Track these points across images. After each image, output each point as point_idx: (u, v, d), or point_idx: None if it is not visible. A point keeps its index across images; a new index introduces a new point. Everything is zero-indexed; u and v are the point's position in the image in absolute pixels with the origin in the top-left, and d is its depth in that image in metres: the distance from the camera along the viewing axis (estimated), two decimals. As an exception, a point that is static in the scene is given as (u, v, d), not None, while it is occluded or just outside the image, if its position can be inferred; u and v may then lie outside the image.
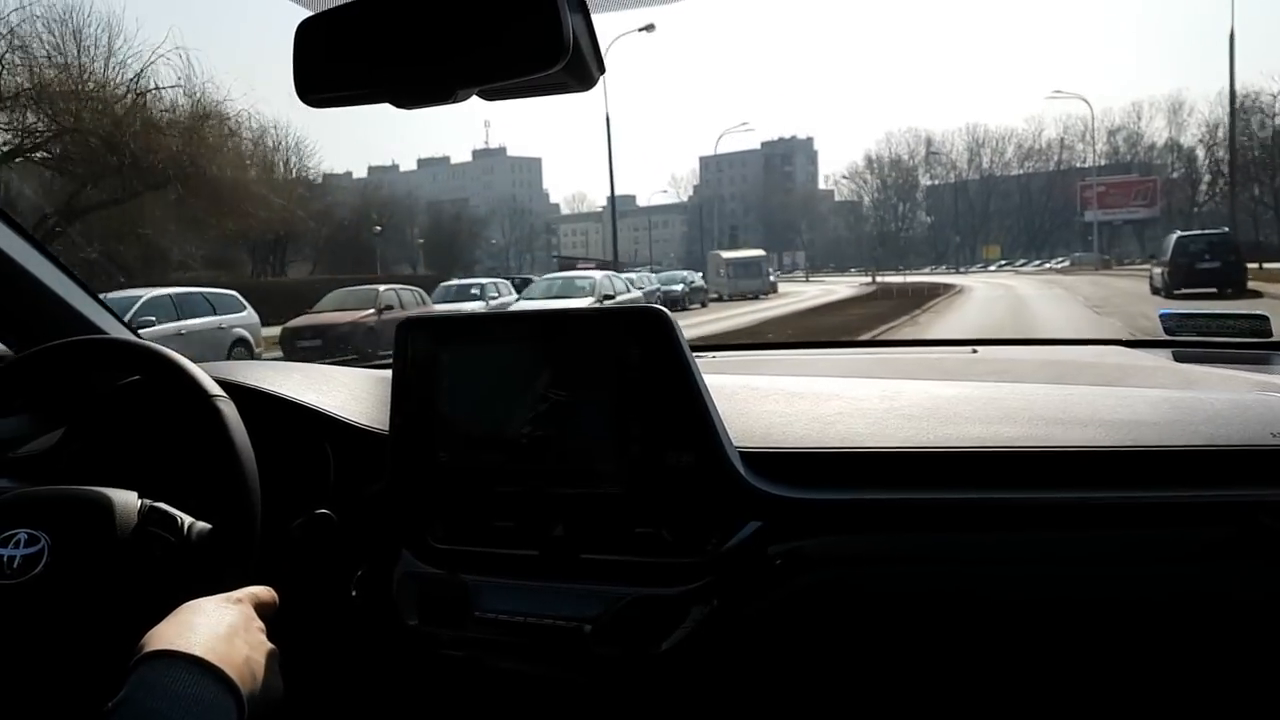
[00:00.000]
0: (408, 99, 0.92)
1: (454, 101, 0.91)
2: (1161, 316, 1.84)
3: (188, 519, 1.09)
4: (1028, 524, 1.17)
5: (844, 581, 1.21)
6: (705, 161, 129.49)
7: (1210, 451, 1.16)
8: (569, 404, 1.25)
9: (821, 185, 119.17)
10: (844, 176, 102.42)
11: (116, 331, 1.66)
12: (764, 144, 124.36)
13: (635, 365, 1.21)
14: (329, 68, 0.93)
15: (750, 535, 1.20)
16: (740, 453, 1.22)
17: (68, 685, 0.96)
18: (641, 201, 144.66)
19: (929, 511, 1.19)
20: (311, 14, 0.92)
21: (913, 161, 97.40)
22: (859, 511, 1.20)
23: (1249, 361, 1.61)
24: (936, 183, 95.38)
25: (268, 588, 0.98)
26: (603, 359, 1.24)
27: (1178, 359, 1.72)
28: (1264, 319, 1.71)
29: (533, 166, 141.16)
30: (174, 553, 1.06)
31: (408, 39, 0.88)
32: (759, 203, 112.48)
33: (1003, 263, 78.33)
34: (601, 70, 0.89)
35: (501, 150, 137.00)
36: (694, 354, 1.22)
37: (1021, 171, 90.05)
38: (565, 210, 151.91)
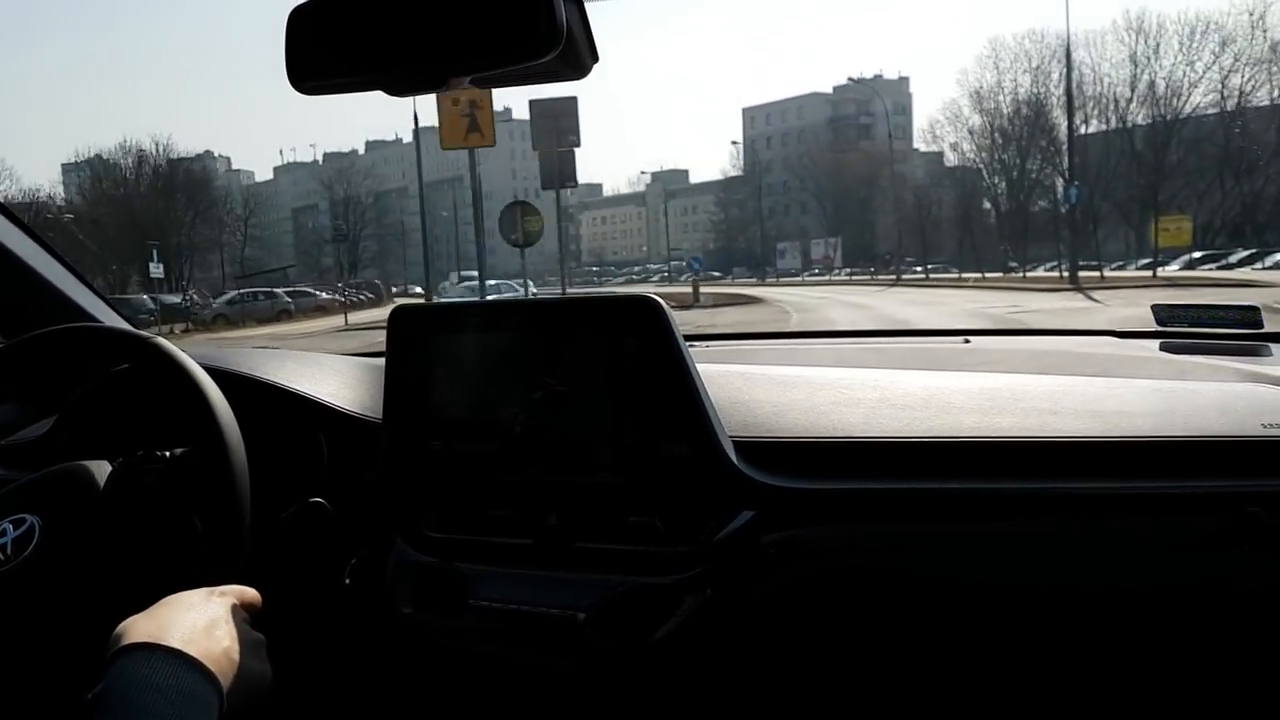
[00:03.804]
0: (401, 87, 0.92)
1: (447, 90, 0.92)
2: (1153, 308, 1.83)
3: (168, 452, 1.12)
4: (1020, 514, 1.18)
5: (837, 571, 1.21)
6: (751, 114, 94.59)
7: (1201, 442, 1.17)
8: (563, 393, 1.25)
9: (919, 145, 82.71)
10: (936, 129, 67.54)
11: (109, 319, 1.68)
12: (836, 89, 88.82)
13: (629, 354, 1.21)
14: (321, 55, 0.92)
15: (744, 524, 1.20)
16: (734, 442, 1.22)
17: (74, 658, 0.95)
18: (696, 177, 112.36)
19: (922, 501, 1.19)
20: (303, 1, 0.92)
21: (1038, 92, 59.99)
22: (852, 501, 1.21)
23: (1240, 353, 1.60)
24: (1086, 130, 56.79)
25: (251, 589, 0.97)
26: (596, 348, 1.24)
27: (1169, 350, 1.70)
28: (1255, 309, 1.71)
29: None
30: (166, 478, 1.09)
31: (400, 26, 0.88)
32: (821, 170, 77.61)
33: (1195, 256, 40.88)
34: (595, 58, 0.89)
35: (507, 112, 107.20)
36: (688, 343, 1.22)
37: (1217, 109, 50.79)
38: (608, 192, 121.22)
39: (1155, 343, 1.77)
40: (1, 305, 1.55)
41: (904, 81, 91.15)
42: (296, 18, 0.90)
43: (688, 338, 1.24)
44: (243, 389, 1.29)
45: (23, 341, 1.23)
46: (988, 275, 43.44)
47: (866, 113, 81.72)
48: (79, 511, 1.05)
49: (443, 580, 1.29)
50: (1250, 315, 1.70)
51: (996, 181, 59.06)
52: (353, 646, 1.38)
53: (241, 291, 33.04)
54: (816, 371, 1.45)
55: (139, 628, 0.81)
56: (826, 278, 58.80)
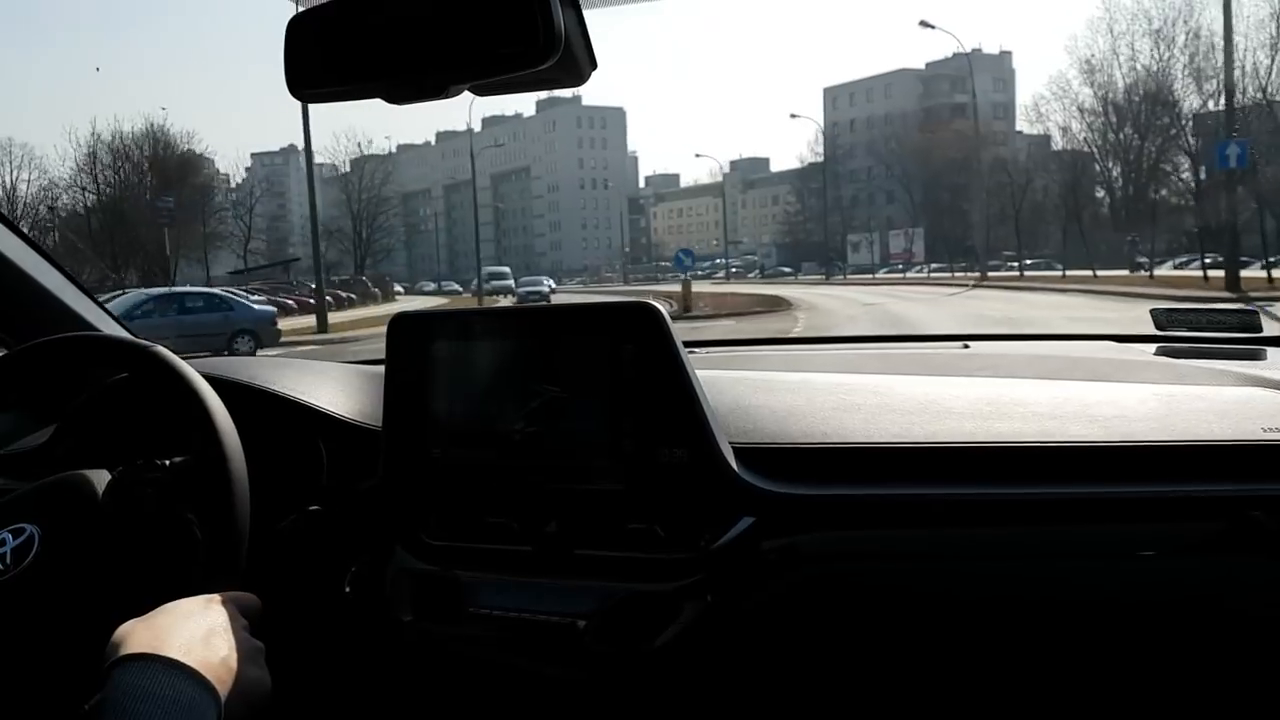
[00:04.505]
0: (400, 95, 0.93)
1: (446, 97, 0.92)
2: (1152, 312, 1.81)
3: (167, 460, 1.12)
4: (1019, 519, 1.18)
5: (837, 577, 1.21)
6: (833, 94, 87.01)
7: (1201, 446, 1.17)
8: (562, 400, 1.25)
9: (1022, 125, 74.05)
10: (1042, 106, 58.90)
11: (109, 328, 1.68)
12: (929, 64, 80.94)
13: (628, 361, 1.21)
14: (320, 63, 0.92)
15: (743, 531, 1.20)
16: (734, 448, 1.22)
17: (73, 668, 0.95)
18: (777, 166, 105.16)
19: (921, 507, 1.19)
20: (303, 9, 0.93)
21: (1159, 58, 50.82)
22: (852, 507, 1.21)
23: (1239, 357, 1.59)
24: (1215, 106, 46.58)
25: (251, 595, 0.98)
26: (596, 355, 1.24)
27: (1169, 354, 1.69)
28: (1254, 313, 1.69)
29: (611, 119, 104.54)
30: (166, 487, 1.09)
31: (399, 35, 0.89)
32: (910, 156, 69.67)
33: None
34: (593, 66, 0.90)
35: (576, 100, 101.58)
36: (687, 349, 1.22)
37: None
38: (685, 182, 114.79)
39: (1153, 347, 1.75)
40: (2, 314, 1.55)
41: (1005, 56, 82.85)
42: (296, 26, 0.91)
43: (687, 344, 1.24)
44: (242, 397, 1.28)
45: (22, 350, 1.23)
46: (1100, 274, 35.72)
47: (960, 90, 73.28)
48: (78, 521, 1.05)
49: (443, 588, 1.29)
50: (1249, 319, 1.69)
51: (1110, 165, 51.02)
52: (353, 655, 1.37)
53: (124, 292, 28.11)
54: (816, 377, 1.44)
55: (137, 636, 0.81)
56: (902, 275, 51.69)
